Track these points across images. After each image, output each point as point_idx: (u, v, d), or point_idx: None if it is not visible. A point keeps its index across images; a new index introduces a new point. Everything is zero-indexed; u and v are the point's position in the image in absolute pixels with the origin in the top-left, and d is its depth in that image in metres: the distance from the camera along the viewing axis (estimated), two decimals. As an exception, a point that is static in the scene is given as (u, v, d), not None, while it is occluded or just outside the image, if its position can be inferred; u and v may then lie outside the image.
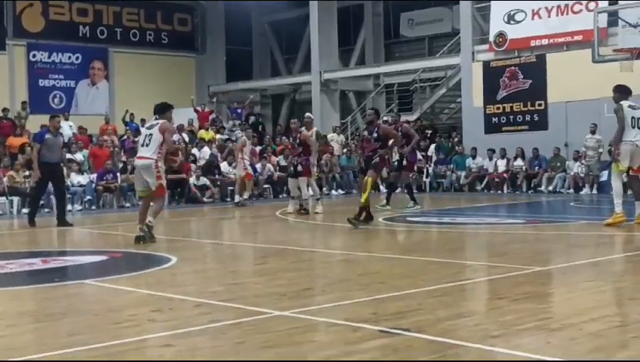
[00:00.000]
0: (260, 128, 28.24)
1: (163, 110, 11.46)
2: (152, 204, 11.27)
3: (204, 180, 21.53)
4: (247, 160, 19.57)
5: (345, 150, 25.64)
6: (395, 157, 16.37)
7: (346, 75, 30.24)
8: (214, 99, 30.35)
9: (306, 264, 9.23)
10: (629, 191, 13.36)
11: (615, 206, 11.74)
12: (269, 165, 22.97)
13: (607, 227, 11.58)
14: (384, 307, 6.06)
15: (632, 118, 11.93)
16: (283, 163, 23.48)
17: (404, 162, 16.46)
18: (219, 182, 21.94)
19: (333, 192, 23.80)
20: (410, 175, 18.07)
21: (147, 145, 11.05)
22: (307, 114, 17.50)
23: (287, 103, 34.27)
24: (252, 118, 28.26)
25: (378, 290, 6.77)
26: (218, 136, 25.35)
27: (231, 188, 21.43)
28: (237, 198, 19.58)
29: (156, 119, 11.44)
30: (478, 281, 7.54)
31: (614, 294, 6.83)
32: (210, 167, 22.29)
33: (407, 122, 26.56)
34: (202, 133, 25.18)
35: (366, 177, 13.00)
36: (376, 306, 6.13)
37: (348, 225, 12.63)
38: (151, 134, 11.06)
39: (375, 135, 13.23)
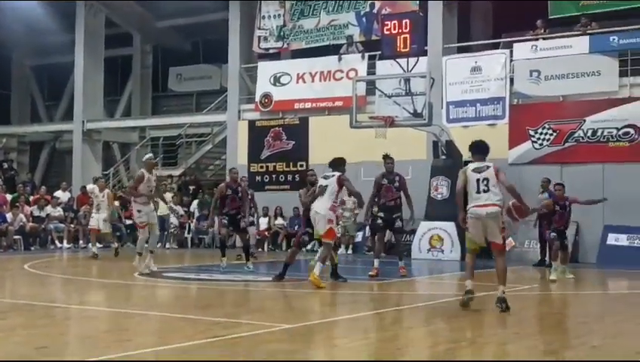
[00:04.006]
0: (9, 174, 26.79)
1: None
2: None
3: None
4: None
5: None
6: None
7: (110, 125, 29.57)
8: None
9: (49, 320, 8.68)
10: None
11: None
12: (21, 215, 21.68)
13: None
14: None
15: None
16: (37, 213, 22.33)
17: None
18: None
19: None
20: None
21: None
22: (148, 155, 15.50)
23: (47, 151, 32.85)
24: (5, 165, 26.74)
25: (124, 348, 6.48)
26: (-34, 182, 23.68)
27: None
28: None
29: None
30: (227, 338, 7.42)
31: (357, 350, 7.00)
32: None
33: (171, 176, 26.57)
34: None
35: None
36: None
37: (113, 280, 12.20)
38: (486, 178, 9.66)
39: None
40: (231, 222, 14.92)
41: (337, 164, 12.69)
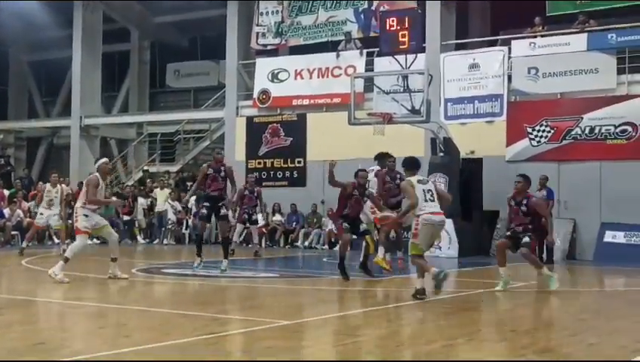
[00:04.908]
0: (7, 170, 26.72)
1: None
2: None
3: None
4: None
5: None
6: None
7: (108, 121, 29.55)
8: None
9: (46, 316, 8.69)
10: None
11: None
12: (18, 211, 21.67)
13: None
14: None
15: None
16: (35, 209, 22.26)
17: None
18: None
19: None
20: None
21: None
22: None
23: (45, 147, 32.79)
24: (2, 161, 26.70)
25: (122, 344, 6.47)
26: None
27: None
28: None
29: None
30: (224, 335, 7.43)
31: (354, 347, 7.00)
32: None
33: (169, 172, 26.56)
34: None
35: None
36: None
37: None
38: (430, 190, 10.35)
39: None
40: (211, 208, 13.68)
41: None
